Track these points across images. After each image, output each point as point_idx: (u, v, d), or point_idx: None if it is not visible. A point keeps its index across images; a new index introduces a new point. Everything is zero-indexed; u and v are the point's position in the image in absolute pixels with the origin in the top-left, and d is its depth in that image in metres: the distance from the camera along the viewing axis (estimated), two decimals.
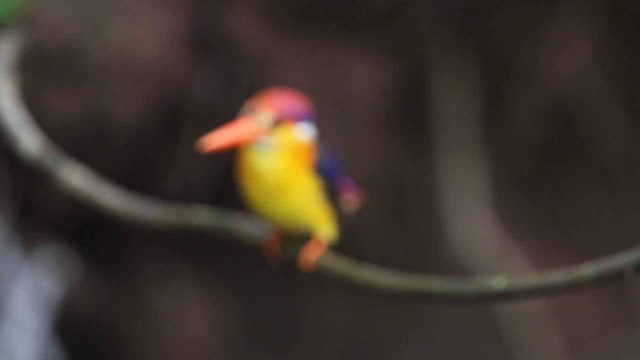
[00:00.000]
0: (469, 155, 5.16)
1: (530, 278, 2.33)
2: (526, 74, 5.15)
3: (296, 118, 2.43)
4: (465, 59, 5.15)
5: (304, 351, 5.23)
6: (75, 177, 2.84)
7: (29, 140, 2.96)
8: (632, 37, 5.12)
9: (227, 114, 4.87)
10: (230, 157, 4.84)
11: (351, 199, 2.60)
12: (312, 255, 2.52)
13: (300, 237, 2.56)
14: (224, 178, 5.01)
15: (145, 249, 5.11)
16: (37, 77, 4.55)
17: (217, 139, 2.39)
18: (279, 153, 2.42)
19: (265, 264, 5.15)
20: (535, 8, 5.05)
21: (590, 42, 5.05)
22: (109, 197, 2.79)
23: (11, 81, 3.36)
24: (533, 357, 5.06)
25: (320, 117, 4.82)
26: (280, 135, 2.41)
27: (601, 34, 5.08)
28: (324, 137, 2.54)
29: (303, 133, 2.45)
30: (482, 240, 5.08)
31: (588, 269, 2.26)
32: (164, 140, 4.92)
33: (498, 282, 2.35)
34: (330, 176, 2.51)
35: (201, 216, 2.71)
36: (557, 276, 2.30)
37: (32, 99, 4.58)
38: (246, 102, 2.45)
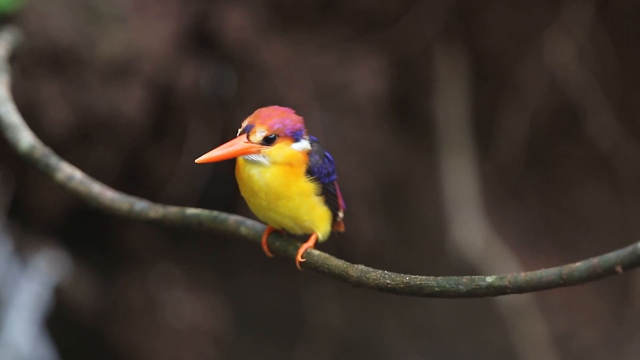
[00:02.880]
0: (461, 156, 5.18)
1: (519, 275, 2.37)
2: (516, 74, 5.17)
3: (290, 135, 2.57)
4: (458, 60, 5.17)
5: (292, 345, 5.24)
6: (77, 173, 2.86)
7: (29, 137, 2.98)
8: (618, 32, 5.14)
9: (225, 113, 4.91)
10: (229, 167, 4.88)
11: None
12: (305, 249, 2.63)
13: (299, 234, 2.67)
14: (223, 186, 5.03)
15: (134, 247, 5.12)
16: (42, 74, 4.56)
17: (214, 153, 2.53)
18: (275, 167, 2.55)
19: (255, 261, 5.20)
20: (525, 8, 5.06)
21: (578, 40, 5.07)
22: (111, 194, 2.81)
23: (6, 78, 3.36)
24: (518, 349, 5.09)
25: (310, 115, 4.87)
26: (274, 153, 2.55)
27: (589, 30, 5.10)
28: (315, 141, 2.66)
29: (296, 149, 2.58)
30: (472, 236, 5.10)
31: (578, 267, 2.30)
32: (159, 140, 4.94)
33: (486, 278, 2.40)
34: (322, 175, 2.62)
35: (201, 211, 2.74)
36: (545, 273, 2.34)
37: (36, 96, 4.60)
38: (245, 119, 2.57)
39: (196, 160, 2.56)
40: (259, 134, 2.55)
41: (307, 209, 2.61)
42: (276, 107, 2.62)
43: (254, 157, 2.57)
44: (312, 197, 2.61)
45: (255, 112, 2.60)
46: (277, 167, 2.57)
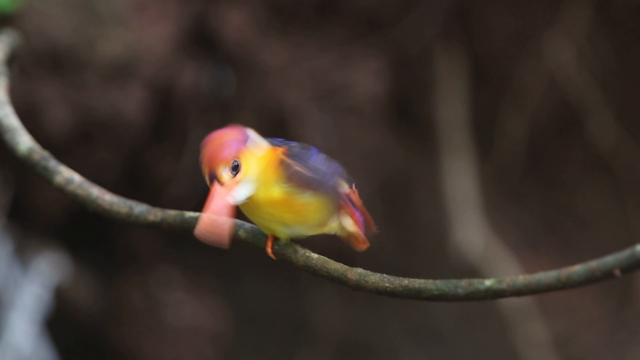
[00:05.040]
0: (461, 157, 5.18)
1: (518, 278, 2.36)
2: (516, 75, 5.17)
3: (244, 147, 2.44)
4: (458, 61, 5.17)
5: (293, 348, 5.24)
6: (76, 176, 2.85)
7: (27, 140, 2.97)
8: (618, 33, 5.14)
9: (225, 114, 4.91)
10: None
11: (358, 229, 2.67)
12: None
13: (297, 239, 2.64)
14: None
15: (135, 249, 5.12)
16: (41, 76, 4.56)
17: (212, 224, 2.39)
18: (260, 183, 2.44)
19: (256, 263, 5.20)
20: (524, 9, 5.07)
21: (577, 41, 5.07)
22: (109, 197, 2.80)
23: (4, 80, 3.35)
24: (519, 351, 5.09)
25: (306, 116, 4.86)
26: (247, 170, 2.42)
27: (589, 30, 5.10)
28: (303, 147, 2.56)
29: (259, 149, 2.47)
30: (473, 238, 5.10)
31: (577, 270, 2.29)
32: (159, 142, 4.94)
33: (485, 282, 2.40)
34: (303, 159, 2.51)
35: (199, 215, 2.73)
36: (544, 276, 2.34)
37: (35, 98, 4.60)
38: (203, 170, 2.43)
39: (195, 233, 2.44)
40: (224, 174, 2.39)
41: (294, 214, 2.51)
42: (213, 137, 2.41)
43: (239, 191, 2.41)
44: (296, 198, 2.49)
45: (203, 155, 2.40)
46: (260, 182, 2.47)
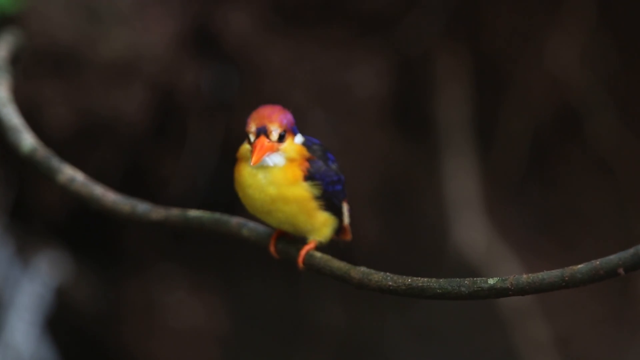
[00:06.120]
0: (463, 158, 5.18)
1: (522, 277, 2.37)
2: (518, 75, 5.17)
3: (291, 130, 2.58)
4: (459, 61, 5.17)
5: (294, 347, 5.24)
6: (78, 175, 2.86)
7: (30, 139, 2.98)
8: (621, 33, 5.14)
9: (227, 114, 4.92)
10: (225, 165, 4.87)
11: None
12: (307, 252, 2.62)
13: (299, 238, 2.66)
14: (225, 186, 5.03)
15: (136, 249, 5.12)
16: (43, 76, 4.56)
17: (256, 158, 2.53)
18: (282, 166, 2.55)
19: (257, 262, 5.20)
20: (527, 9, 5.07)
21: (580, 41, 5.07)
22: (112, 196, 2.81)
23: (7, 79, 3.36)
24: (520, 351, 5.09)
25: (313, 118, 4.86)
26: (288, 148, 2.55)
27: (592, 31, 5.10)
28: (318, 144, 2.65)
29: (300, 143, 2.59)
30: (474, 238, 5.10)
31: (580, 269, 2.30)
32: (161, 142, 4.94)
33: (488, 280, 2.40)
34: (325, 182, 2.61)
35: (203, 213, 2.74)
36: (548, 275, 2.35)
37: (38, 98, 4.60)
38: (250, 119, 2.56)
39: (252, 163, 2.55)
40: (275, 133, 2.55)
41: (306, 216, 2.59)
42: (269, 105, 2.61)
43: (273, 157, 2.56)
44: (310, 202, 2.59)
45: (255, 113, 2.58)
46: (284, 165, 2.57)
